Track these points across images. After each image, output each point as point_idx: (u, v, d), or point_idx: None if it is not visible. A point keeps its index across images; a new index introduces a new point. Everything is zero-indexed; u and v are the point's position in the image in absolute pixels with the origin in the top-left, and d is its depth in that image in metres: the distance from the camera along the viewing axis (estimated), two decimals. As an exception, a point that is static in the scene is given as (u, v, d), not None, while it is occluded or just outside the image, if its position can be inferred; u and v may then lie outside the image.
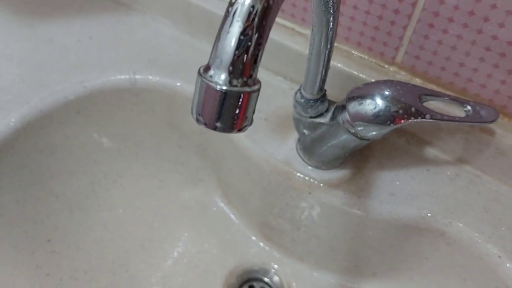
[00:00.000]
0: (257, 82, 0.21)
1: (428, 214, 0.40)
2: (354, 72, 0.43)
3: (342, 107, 0.38)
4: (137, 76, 0.49)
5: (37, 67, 0.49)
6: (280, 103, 0.48)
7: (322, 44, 0.33)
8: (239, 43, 0.19)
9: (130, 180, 0.53)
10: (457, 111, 0.38)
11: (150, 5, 0.53)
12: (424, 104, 0.37)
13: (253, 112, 0.22)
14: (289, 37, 0.46)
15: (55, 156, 0.49)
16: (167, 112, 0.51)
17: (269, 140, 0.45)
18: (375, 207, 0.41)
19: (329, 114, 0.39)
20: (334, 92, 0.43)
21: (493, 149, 0.40)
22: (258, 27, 0.19)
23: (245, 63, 0.19)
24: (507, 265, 0.38)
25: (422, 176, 0.43)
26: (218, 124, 0.21)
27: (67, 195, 0.49)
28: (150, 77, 0.49)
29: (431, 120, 0.36)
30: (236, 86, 0.20)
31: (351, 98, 0.37)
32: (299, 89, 0.39)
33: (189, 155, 0.53)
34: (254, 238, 0.52)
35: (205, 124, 0.21)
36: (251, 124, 0.22)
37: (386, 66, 0.43)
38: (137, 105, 0.50)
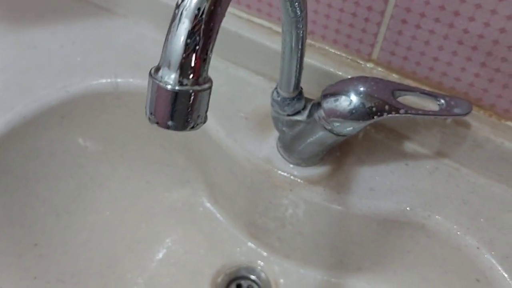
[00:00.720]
0: (207, 80, 0.21)
1: (407, 208, 0.41)
2: (331, 70, 0.44)
3: (318, 104, 0.38)
4: (119, 80, 0.49)
5: (21, 73, 0.50)
6: (260, 102, 0.48)
7: (293, 44, 0.34)
8: (187, 43, 0.19)
9: (116, 183, 0.53)
10: (432, 105, 0.39)
11: (132, 9, 0.54)
12: (398, 99, 0.37)
13: (206, 111, 0.22)
14: (266, 36, 0.46)
15: (41, 160, 0.50)
16: (151, 114, 0.51)
17: (250, 139, 0.45)
18: (355, 202, 0.41)
19: (306, 112, 0.40)
20: (312, 89, 0.44)
21: (469, 141, 0.41)
22: (205, 26, 0.19)
23: (194, 62, 0.20)
24: (486, 256, 0.38)
25: (401, 171, 0.43)
26: (170, 123, 0.21)
27: (54, 199, 0.50)
28: (132, 80, 0.49)
29: (405, 114, 0.36)
30: (186, 85, 0.20)
31: (326, 95, 0.38)
32: (276, 88, 0.40)
33: (174, 155, 0.53)
34: (241, 237, 0.52)
35: (157, 123, 0.21)
36: (204, 122, 0.22)
37: (362, 63, 0.44)
38: (119, 108, 0.50)
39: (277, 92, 0.39)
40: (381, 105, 0.36)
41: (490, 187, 0.42)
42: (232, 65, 0.51)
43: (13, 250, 0.46)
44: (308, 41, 0.45)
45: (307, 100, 0.41)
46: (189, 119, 0.21)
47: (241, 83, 0.50)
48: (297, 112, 0.40)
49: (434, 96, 0.38)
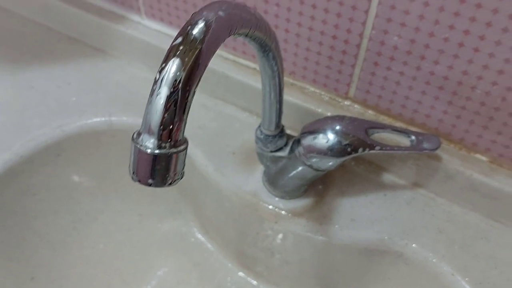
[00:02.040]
0: (184, 142, 0.24)
1: (386, 237, 0.43)
2: (311, 107, 0.46)
3: (298, 141, 0.41)
4: (113, 118, 0.52)
5: (19, 113, 0.52)
6: (247, 137, 0.51)
7: (272, 91, 0.37)
8: (165, 110, 0.22)
9: (110, 216, 0.55)
10: (404, 141, 0.42)
11: (125, 51, 0.57)
12: (372, 136, 0.40)
13: (183, 167, 0.25)
14: (251, 76, 0.49)
15: (38, 196, 0.52)
16: (143, 150, 0.54)
17: (237, 173, 0.48)
18: (337, 232, 0.44)
19: (288, 148, 0.43)
20: (295, 124, 0.47)
21: (442, 173, 0.43)
22: (181, 94, 0.22)
23: (171, 128, 0.22)
24: (460, 282, 0.40)
25: (380, 201, 0.46)
26: (150, 181, 0.24)
27: (50, 233, 0.52)
28: (125, 118, 0.52)
29: (380, 151, 0.39)
30: (164, 148, 0.23)
31: (305, 133, 0.40)
32: (259, 126, 0.42)
33: (166, 189, 0.56)
34: (231, 266, 0.54)
35: (139, 181, 0.24)
36: (181, 177, 0.25)
37: (340, 101, 0.47)
38: (114, 145, 0.53)
39: (260, 130, 0.42)
40: (356, 142, 0.39)
41: (464, 215, 0.45)
42: (220, 102, 0.54)
43: (10, 283, 0.48)
44: (290, 80, 0.48)
45: (289, 137, 0.43)
46: (167, 177, 0.24)
47: (229, 119, 0.53)
48: (280, 149, 0.43)
49: (405, 132, 0.41)
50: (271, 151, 0.43)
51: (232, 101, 0.53)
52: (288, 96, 0.47)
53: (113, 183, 0.55)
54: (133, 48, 0.55)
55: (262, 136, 0.42)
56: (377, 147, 0.39)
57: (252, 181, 0.47)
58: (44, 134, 0.50)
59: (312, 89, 0.48)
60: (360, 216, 0.45)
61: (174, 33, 0.52)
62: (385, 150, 0.39)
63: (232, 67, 0.51)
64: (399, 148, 0.40)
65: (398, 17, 0.37)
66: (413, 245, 0.42)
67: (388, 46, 0.39)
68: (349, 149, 0.39)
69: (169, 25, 0.52)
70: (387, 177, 0.47)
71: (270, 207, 0.46)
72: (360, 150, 0.39)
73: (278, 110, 0.39)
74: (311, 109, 0.47)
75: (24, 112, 0.52)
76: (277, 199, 0.46)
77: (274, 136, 0.42)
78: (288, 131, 0.43)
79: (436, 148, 0.40)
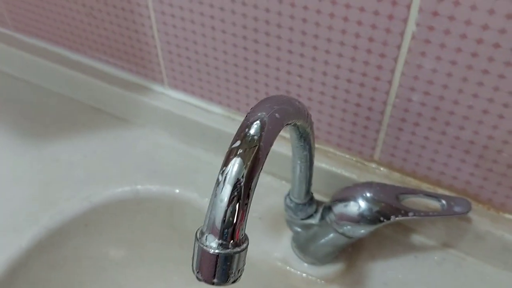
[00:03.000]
0: (245, 239, 0.24)
1: (421, 301, 0.43)
2: (337, 171, 0.47)
3: (329, 208, 0.41)
4: (138, 187, 0.53)
5: (46, 185, 0.53)
6: (272, 201, 0.51)
7: (303, 165, 0.37)
8: (228, 209, 0.23)
9: (136, 285, 0.55)
10: (434, 204, 0.42)
11: (148, 119, 0.58)
12: (403, 202, 0.40)
13: (244, 264, 0.25)
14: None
15: (65, 268, 0.52)
16: (168, 216, 0.54)
17: (265, 239, 0.48)
18: (371, 298, 0.43)
19: (318, 215, 0.43)
20: (321, 187, 0.47)
21: (472, 234, 0.43)
22: (244, 192, 0.23)
23: (234, 227, 0.23)
24: None
25: (411, 263, 0.46)
26: (215, 280, 0.24)
27: (78, 306, 0.52)
28: (151, 187, 0.53)
29: (413, 217, 0.40)
30: (227, 248, 0.23)
31: (336, 201, 0.41)
32: (288, 194, 0.43)
33: (190, 255, 0.55)
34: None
35: (204, 280, 0.24)
36: (242, 273, 0.25)
37: (366, 163, 0.47)
38: (140, 213, 0.53)
39: (290, 199, 0.43)
40: (388, 209, 0.39)
41: (497, 275, 0.44)
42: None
43: None
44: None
45: (319, 204, 0.44)
46: (230, 275, 0.24)
47: (252, 183, 0.53)
48: (310, 216, 0.43)
49: (435, 197, 0.41)
50: (301, 219, 0.43)
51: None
52: (313, 160, 0.48)
53: (139, 251, 0.55)
54: (156, 117, 0.57)
55: (292, 205, 0.42)
56: (410, 213, 0.39)
57: (281, 247, 0.47)
58: (72, 206, 0.51)
59: (336, 152, 0.48)
60: (392, 280, 0.44)
61: (197, 102, 0.54)
62: (418, 216, 0.39)
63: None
64: (432, 213, 0.40)
65: (421, 86, 0.38)
66: (449, 309, 0.42)
67: (412, 113, 0.41)
68: (380, 217, 0.39)
69: (191, 95, 0.54)
70: (416, 238, 0.47)
71: (301, 274, 0.45)
72: (393, 217, 0.39)
73: (308, 181, 0.40)
74: (337, 173, 0.47)
75: (51, 184, 0.53)
76: (307, 265, 0.46)
77: (304, 204, 0.42)
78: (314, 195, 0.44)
79: (467, 212, 0.40)
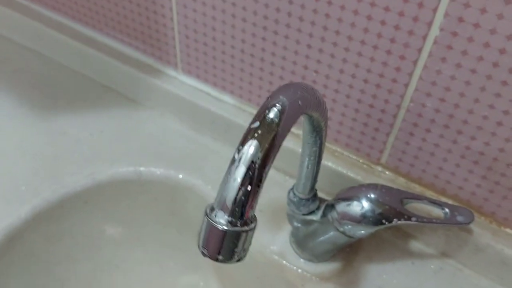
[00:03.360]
0: (254, 220, 0.24)
1: (414, 308, 0.43)
2: (343, 171, 0.47)
3: (332, 206, 0.41)
4: (142, 168, 0.53)
5: (51, 159, 0.53)
6: (274, 195, 0.51)
7: (311, 160, 0.37)
8: (241, 188, 0.23)
9: (131, 266, 0.55)
10: (436, 212, 0.42)
11: (158, 102, 0.58)
12: (406, 206, 0.40)
13: (250, 244, 0.25)
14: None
15: (62, 243, 0.52)
16: (169, 201, 0.54)
17: (264, 232, 0.48)
18: (365, 300, 0.43)
19: (320, 212, 0.43)
20: (325, 186, 0.47)
21: (472, 245, 0.43)
22: (258, 173, 0.23)
23: (245, 206, 0.23)
24: None
25: (407, 269, 0.45)
26: (219, 257, 0.24)
27: (71, 281, 0.52)
28: (155, 169, 0.53)
29: (415, 222, 0.39)
30: (236, 225, 0.23)
31: (339, 199, 0.41)
32: (292, 189, 0.43)
33: (188, 242, 0.56)
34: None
35: (209, 256, 0.24)
36: (246, 254, 0.25)
37: (372, 166, 0.47)
38: (141, 195, 0.53)
39: (294, 193, 0.43)
40: (390, 212, 0.39)
41: (492, 289, 0.44)
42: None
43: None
44: (322, 142, 0.49)
45: (321, 201, 0.44)
46: (235, 253, 0.24)
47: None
48: (311, 212, 0.43)
49: (439, 204, 0.41)
50: (303, 214, 0.43)
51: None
52: (319, 158, 0.48)
53: (137, 233, 0.55)
54: (167, 101, 0.57)
55: (295, 199, 0.42)
56: (413, 218, 0.39)
57: (278, 241, 0.47)
58: (75, 182, 0.51)
59: (344, 152, 0.48)
60: (387, 284, 0.44)
61: (209, 90, 0.54)
62: (421, 222, 0.39)
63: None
64: (435, 220, 0.40)
65: (438, 92, 0.38)
66: (443, 318, 0.42)
67: (425, 118, 0.40)
68: (382, 219, 0.39)
69: (204, 82, 0.54)
70: (415, 245, 0.47)
71: (297, 269, 0.45)
72: (395, 220, 0.39)
73: (314, 178, 0.39)
74: (342, 172, 0.47)
75: (56, 159, 0.53)
76: (303, 261, 0.46)
77: (307, 200, 0.42)
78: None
79: (470, 222, 0.40)
